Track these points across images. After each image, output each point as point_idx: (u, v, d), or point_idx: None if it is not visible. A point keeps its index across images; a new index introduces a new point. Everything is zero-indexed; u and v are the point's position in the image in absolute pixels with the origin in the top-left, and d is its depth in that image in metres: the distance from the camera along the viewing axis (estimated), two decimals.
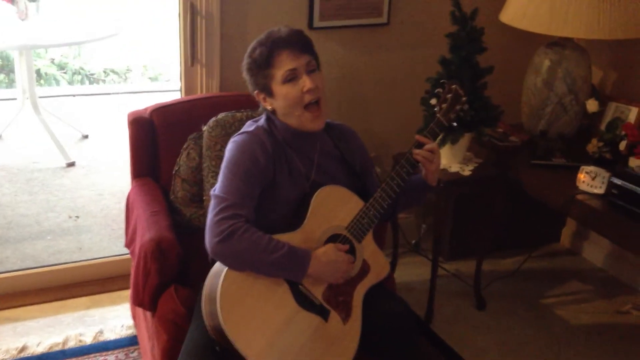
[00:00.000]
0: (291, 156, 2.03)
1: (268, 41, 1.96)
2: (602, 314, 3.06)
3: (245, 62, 2.02)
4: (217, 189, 1.93)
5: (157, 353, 2.13)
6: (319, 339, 1.89)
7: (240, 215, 1.85)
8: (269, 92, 1.99)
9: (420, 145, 2.04)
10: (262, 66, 1.96)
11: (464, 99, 2.11)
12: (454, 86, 2.12)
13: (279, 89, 1.96)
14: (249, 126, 2.07)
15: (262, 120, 2.07)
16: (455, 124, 2.17)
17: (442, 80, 2.16)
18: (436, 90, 2.15)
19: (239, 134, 2.05)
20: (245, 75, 2.04)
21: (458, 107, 2.11)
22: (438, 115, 2.09)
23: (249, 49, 2.01)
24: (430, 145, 2.04)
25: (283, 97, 1.97)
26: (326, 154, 2.10)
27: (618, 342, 2.86)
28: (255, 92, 2.03)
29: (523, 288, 3.20)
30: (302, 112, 1.98)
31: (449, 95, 2.10)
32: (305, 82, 1.94)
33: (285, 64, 1.94)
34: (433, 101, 2.18)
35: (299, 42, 1.96)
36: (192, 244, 2.32)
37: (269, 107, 2.03)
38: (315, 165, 2.06)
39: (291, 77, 1.95)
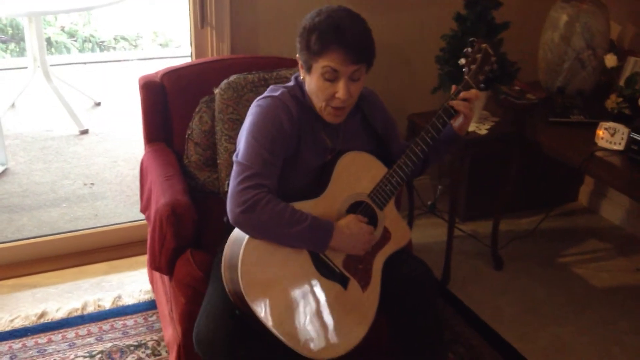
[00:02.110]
0: (317, 125, 1.98)
1: (330, 32, 1.81)
2: (621, 272, 3.04)
3: (300, 30, 1.87)
4: (239, 155, 1.87)
5: (175, 316, 2.14)
6: (338, 306, 1.89)
7: (263, 185, 1.81)
8: (307, 69, 1.90)
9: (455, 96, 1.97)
10: (312, 51, 1.85)
11: (493, 58, 2.00)
12: (484, 45, 2.00)
13: (316, 76, 1.87)
14: (274, 90, 1.98)
15: (290, 84, 2.00)
16: (482, 85, 2.04)
17: (471, 39, 2.04)
18: (465, 50, 2.04)
19: (263, 98, 1.97)
20: (297, 36, 1.91)
21: (487, 67, 2.01)
22: (466, 77, 2.00)
23: (310, 18, 1.86)
24: (468, 93, 1.96)
25: (315, 85, 1.89)
26: (351, 122, 2.03)
27: (638, 299, 2.85)
28: (297, 56, 1.93)
29: (541, 248, 3.18)
30: (324, 106, 1.92)
31: (479, 55, 2.00)
32: (340, 91, 1.85)
33: (332, 61, 1.82)
34: (462, 61, 2.07)
35: (358, 51, 1.82)
36: (207, 207, 2.33)
37: (301, 77, 1.96)
38: (340, 134, 2.01)
39: (330, 77, 1.85)
